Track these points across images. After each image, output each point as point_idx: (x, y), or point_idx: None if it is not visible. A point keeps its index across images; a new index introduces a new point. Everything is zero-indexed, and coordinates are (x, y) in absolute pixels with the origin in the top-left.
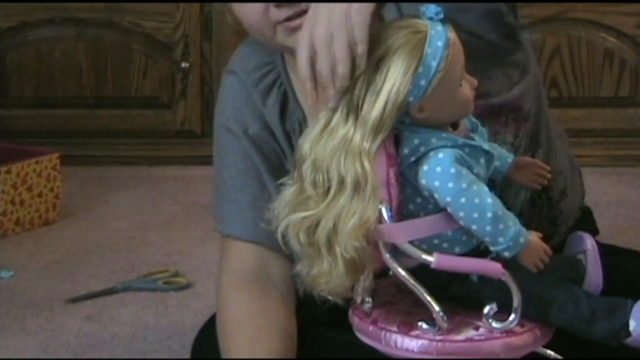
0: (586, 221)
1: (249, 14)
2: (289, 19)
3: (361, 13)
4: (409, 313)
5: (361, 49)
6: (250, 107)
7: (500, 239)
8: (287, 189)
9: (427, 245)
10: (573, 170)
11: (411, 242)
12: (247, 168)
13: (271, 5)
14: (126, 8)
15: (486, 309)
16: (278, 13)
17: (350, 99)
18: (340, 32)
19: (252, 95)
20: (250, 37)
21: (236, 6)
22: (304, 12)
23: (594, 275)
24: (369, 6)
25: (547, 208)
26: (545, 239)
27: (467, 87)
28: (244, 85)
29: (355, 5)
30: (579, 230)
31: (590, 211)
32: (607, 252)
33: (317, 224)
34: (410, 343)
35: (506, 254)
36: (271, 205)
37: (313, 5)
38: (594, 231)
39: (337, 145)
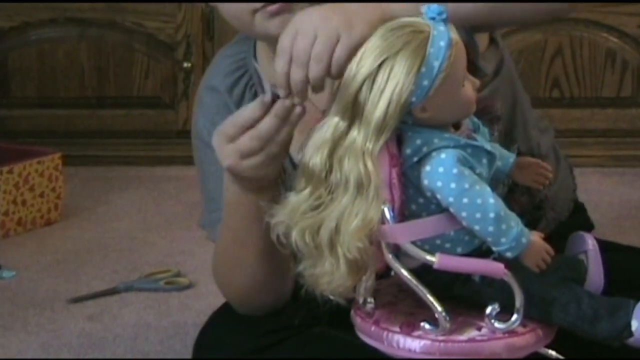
0: (581, 216)
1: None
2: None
3: (345, 51)
4: (411, 313)
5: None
6: (224, 116)
7: (503, 240)
8: (292, 197)
9: (430, 245)
10: (558, 161)
11: (413, 243)
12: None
13: None
14: (128, 8)
15: (488, 310)
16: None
17: (353, 100)
18: (317, 65)
19: (227, 104)
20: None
21: None
22: None
23: (596, 275)
24: (356, 41)
25: (526, 196)
26: (532, 224)
27: (469, 88)
28: (220, 99)
29: (344, 37)
30: (577, 229)
31: (583, 207)
32: (608, 249)
33: (320, 225)
34: (412, 343)
35: (508, 254)
36: (273, 212)
37: (298, 15)
38: (588, 226)
39: (343, 146)
